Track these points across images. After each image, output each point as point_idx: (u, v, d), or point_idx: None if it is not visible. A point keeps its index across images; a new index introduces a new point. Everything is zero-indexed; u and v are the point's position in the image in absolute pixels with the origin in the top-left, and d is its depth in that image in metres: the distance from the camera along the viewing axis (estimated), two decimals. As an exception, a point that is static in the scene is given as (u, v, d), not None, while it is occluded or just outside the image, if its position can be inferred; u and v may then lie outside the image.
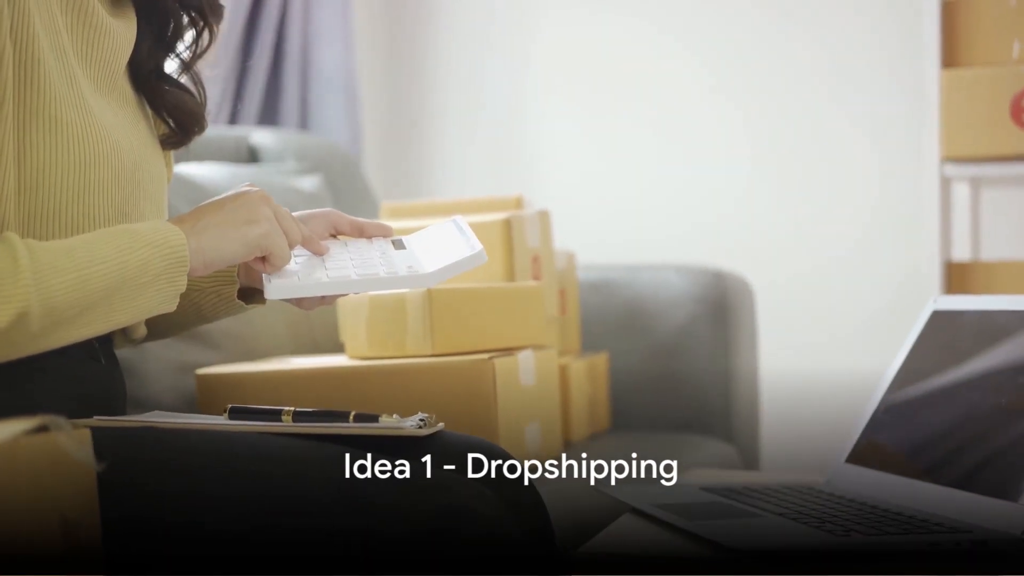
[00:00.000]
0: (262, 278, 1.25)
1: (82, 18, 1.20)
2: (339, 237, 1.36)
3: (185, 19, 1.34)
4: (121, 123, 1.23)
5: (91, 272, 1.08)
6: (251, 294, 1.40)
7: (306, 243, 1.27)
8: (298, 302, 1.32)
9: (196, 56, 1.36)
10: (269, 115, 2.75)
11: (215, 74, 2.53)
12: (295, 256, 1.28)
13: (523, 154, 3.12)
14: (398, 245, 1.34)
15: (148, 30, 1.31)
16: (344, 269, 1.27)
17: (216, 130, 2.35)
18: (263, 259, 1.23)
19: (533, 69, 3.10)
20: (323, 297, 1.31)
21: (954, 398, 1.46)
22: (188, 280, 1.22)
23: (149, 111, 1.34)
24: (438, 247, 1.31)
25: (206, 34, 1.36)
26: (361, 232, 1.36)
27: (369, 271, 1.26)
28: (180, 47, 1.35)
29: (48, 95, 1.13)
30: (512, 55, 3.12)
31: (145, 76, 1.32)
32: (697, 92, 2.95)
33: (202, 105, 1.36)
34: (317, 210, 1.36)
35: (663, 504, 1.43)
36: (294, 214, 1.33)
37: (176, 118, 1.35)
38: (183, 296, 1.31)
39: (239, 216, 1.20)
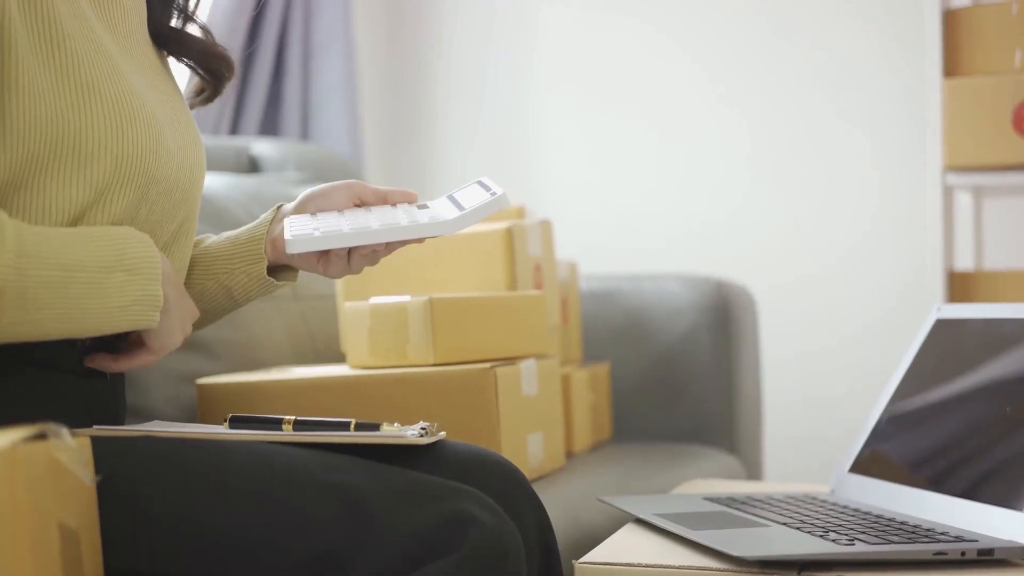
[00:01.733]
0: (284, 236, 1.26)
1: None
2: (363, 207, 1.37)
3: None
4: (153, 93, 1.24)
5: (75, 276, 1.08)
6: (280, 271, 1.40)
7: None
8: (325, 266, 1.31)
9: (195, 8, 1.38)
10: (270, 125, 2.75)
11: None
12: (315, 217, 1.29)
13: (525, 164, 3.12)
14: (421, 206, 1.34)
15: None
16: (365, 222, 1.26)
17: (217, 140, 2.35)
18: (142, 342, 1.22)
19: (534, 79, 3.10)
20: (349, 260, 1.31)
21: (958, 407, 1.45)
22: (218, 254, 1.27)
23: (175, 79, 1.35)
24: (461, 201, 1.31)
25: None
26: (385, 200, 1.36)
27: (390, 222, 1.26)
28: (179, 2, 1.37)
29: (75, 59, 1.13)
30: (512, 65, 3.12)
31: (166, 32, 1.34)
32: (699, 101, 2.95)
33: (228, 51, 1.39)
34: (340, 182, 1.37)
35: (666, 514, 1.43)
36: (317, 187, 1.36)
37: (205, 64, 1.37)
38: (211, 281, 1.36)
39: (186, 317, 1.23)
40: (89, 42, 1.16)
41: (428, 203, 1.35)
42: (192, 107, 1.38)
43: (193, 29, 1.38)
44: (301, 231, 1.24)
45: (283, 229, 1.34)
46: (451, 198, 1.34)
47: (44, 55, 1.12)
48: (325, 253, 1.30)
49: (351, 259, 1.31)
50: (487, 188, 1.31)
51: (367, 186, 1.36)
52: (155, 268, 1.14)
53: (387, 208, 1.34)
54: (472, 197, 1.30)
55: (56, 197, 1.12)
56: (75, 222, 1.14)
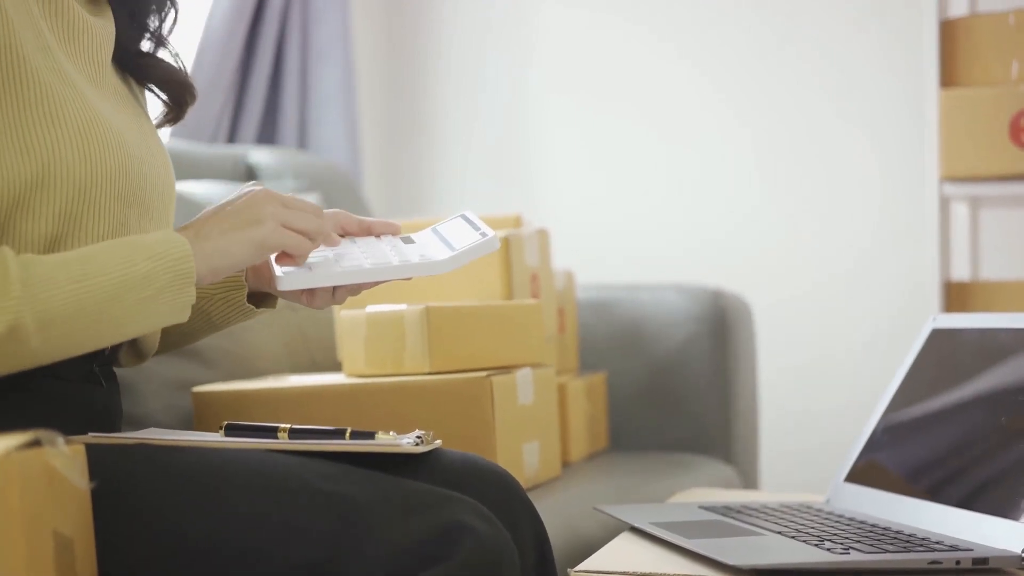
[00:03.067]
0: (273, 273, 1.24)
1: (62, 17, 1.21)
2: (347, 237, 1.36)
3: None
4: (121, 118, 1.24)
5: (88, 285, 1.07)
6: (261, 298, 1.39)
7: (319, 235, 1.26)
8: (310, 299, 1.30)
9: (167, 32, 1.37)
10: (267, 134, 2.75)
11: (214, 90, 2.53)
12: None
13: (523, 173, 3.12)
14: (407, 240, 1.33)
15: (122, 14, 1.32)
16: (356, 260, 1.25)
17: (214, 148, 2.35)
18: (289, 256, 1.22)
19: (533, 88, 3.11)
20: (334, 293, 1.30)
21: (953, 416, 1.46)
22: (197, 288, 1.23)
23: (144, 101, 1.35)
24: (449, 238, 1.30)
25: (172, 10, 1.36)
26: (369, 231, 1.35)
27: (381, 260, 1.25)
28: (153, 24, 1.36)
29: (40, 91, 1.13)
30: (512, 74, 3.13)
31: (130, 58, 1.33)
32: (698, 113, 2.95)
33: (190, 77, 1.38)
34: (325, 211, 1.36)
35: (661, 523, 1.43)
36: None
37: (167, 90, 1.36)
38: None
39: (242, 218, 1.19)
40: (54, 73, 1.15)
41: (413, 237, 1.34)
42: (157, 127, 1.38)
43: (162, 53, 1.38)
44: (291, 267, 1.23)
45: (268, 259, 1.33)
46: (436, 232, 1.33)
47: (9, 91, 1.11)
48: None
49: (336, 292, 1.30)
50: (475, 227, 1.30)
51: (351, 216, 1.35)
52: (183, 249, 1.13)
53: (372, 241, 1.32)
54: (460, 235, 1.29)
55: (27, 229, 1.12)
56: (49, 251, 1.14)
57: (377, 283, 1.30)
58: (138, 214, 1.22)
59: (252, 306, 1.36)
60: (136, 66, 1.34)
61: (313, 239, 1.23)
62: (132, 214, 1.21)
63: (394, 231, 1.35)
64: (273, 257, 1.27)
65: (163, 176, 1.28)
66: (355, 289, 1.31)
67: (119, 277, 1.09)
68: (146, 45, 1.37)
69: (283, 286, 1.21)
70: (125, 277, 1.09)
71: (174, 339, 1.42)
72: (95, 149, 1.15)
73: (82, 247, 1.12)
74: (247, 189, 1.24)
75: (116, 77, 1.30)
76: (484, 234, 1.27)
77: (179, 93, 1.37)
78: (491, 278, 1.79)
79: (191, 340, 1.44)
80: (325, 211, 1.34)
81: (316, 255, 1.26)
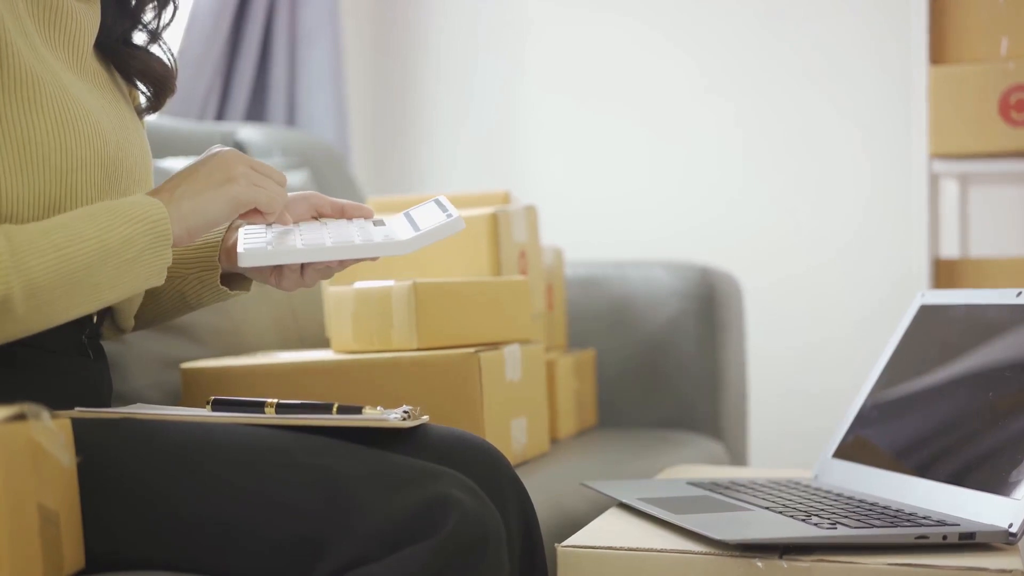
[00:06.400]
0: (236, 248, 1.25)
1: (44, 1, 1.20)
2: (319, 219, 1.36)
3: None
4: (100, 104, 1.23)
5: (71, 251, 1.08)
6: (236, 281, 1.39)
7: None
8: (278, 280, 1.30)
9: (162, 27, 1.36)
10: (256, 111, 2.74)
11: (202, 68, 2.52)
12: (270, 228, 1.28)
13: (512, 151, 3.12)
14: (377, 223, 1.33)
15: (110, 2, 1.32)
16: (319, 238, 1.26)
17: (202, 125, 2.34)
18: (260, 214, 1.23)
19: (522, 65, 3.10)
20: (302, 274, 1.30)
21: (941, 393, 1.46)
22: (173, 257, 1.22)
23: (124, 87, 1.34)
24: (417, 220, 1.31)
25: (171, 6, 1.36)
26: (342, 213, 1.35)
27: (344, 239, 1.25)
28: (147, 18, 1.35)
29: (20, 76, 1.12)
30: (501, 51, 3.12)
31: (112, 45, 1.32)
32: (687, 89, 2.95)
33: (171, 70, 1.37)
34: (298, 192, 1.36)
35: (649, 498, 1.43)
36: None
37: (148, 83, 1.36)
38: (166, 284, 1.32)
39: (215, 177, 1.20)
40: (35, 59, 1.15)
41: (384, 220, 1.34)
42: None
43: (153, 46, 1.37)
44: (254, 244, 1.23)
45: (237, 239, 1.33)
46: (407, 216, 1.34)
47: None
48: (278, 267, 1.30)
49: (304, 273, 1.30)
50: (444, 209, 1.31)
51: (324, 198, 1.35)
52: (159, 211, 1.14)
53: (343, 223, 1.33)
54: (428, 217, 1.30)
55: (7, 214, 1.11)
56: None
57: (343, 263, 1.31)
58: (116, 198, 1.21)
59: (225, 288, 1.36)
60: (120, 55, 1.34)
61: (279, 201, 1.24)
62: (109, 199, 1.20)
63: (366, 215, 1.36)
64: (241, 233, 1.27)
65: (140, 162, 1.28)
66: (325, 272, 1.31)
67: (101, 242, 1.10)
68: (140, 38, 1.36)
69: (244, 262, 1.22)
70: (106, 242, 1.10)
71: (148, 317, 1.42)
72: (72, 137, 1.14)
73: (70, 212, 1.12)
74: (215, 150, 1.24)
75: (97, 62, 1.29)
76: (450, 215, 1.27)
77: (160, 87, 1.36)
78: (479, 254, 1.79)
79: (165, 319, 1.44)
80: (298, 193, 1.35)
81: (281, 234, 1.27)
